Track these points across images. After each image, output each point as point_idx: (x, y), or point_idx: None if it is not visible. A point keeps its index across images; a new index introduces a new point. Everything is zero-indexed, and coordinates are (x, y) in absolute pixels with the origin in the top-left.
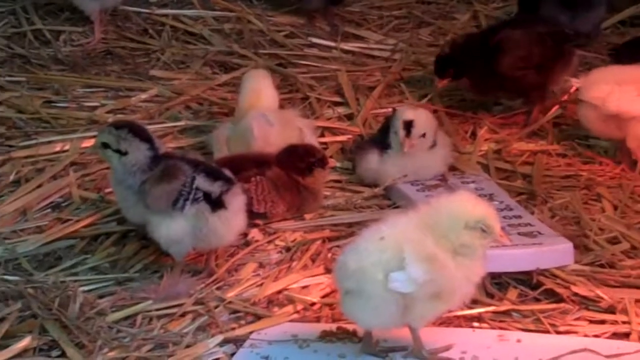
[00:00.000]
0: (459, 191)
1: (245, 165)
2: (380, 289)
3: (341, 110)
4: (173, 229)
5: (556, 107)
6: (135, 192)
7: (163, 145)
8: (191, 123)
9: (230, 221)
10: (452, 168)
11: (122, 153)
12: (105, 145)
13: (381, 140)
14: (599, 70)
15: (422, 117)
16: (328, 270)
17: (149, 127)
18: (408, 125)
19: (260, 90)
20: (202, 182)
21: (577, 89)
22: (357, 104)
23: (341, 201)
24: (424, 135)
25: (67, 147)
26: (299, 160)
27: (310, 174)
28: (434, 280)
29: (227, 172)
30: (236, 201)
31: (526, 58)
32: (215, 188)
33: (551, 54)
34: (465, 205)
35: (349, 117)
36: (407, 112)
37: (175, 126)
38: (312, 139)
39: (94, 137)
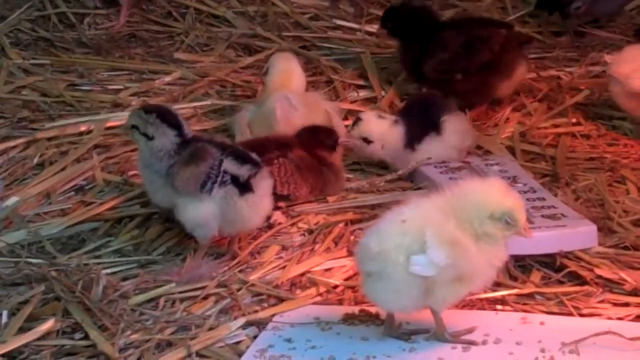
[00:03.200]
0: (490, 178)
1: (267, 148)
2: (402, 272)
3: (365, 92)
4: (200, 212)
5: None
6: (162, 177)
7: (191, 128)
8: (215, 105)
9: (258, 205)
10: (479, 148)
11: (149, 137)
12: (134, 127)
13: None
14: (631, 47)
15: (371, 124)
16: (351, 253)
17: None
18: (355, 122)
19: (289, 71)
20: (230, 165)
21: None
22: (381, 86)
23: (363, 183)
24: (367, 141)
25: (91, 130)
26: (326, 137)
27: (335, 150)
28: (456, 264)
29: (255, 156)
30: (263, 185)
31: (451, 61)
32: (243, 171)
33: (484, 59)
34: (494, 194)
35: (373, 99)
36: (366, 113)
37: (199, 108)
38: (338, 122)
39: (118, 119)
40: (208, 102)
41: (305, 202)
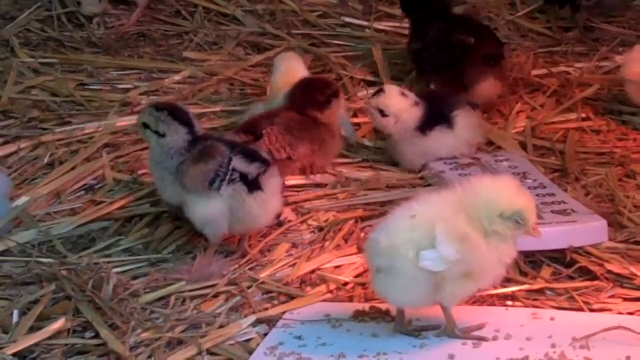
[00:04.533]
0: (501, 176)
1: (259, 123)
2: (411, 267)
3: (374, 89)
4: (209, 209)
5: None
6: (172, 174)
7: (201, 126)
8: (224, 104)
9: (266, 203)
10: (489, 143)
11: (160, 135)
12: (145, 125)
13: None
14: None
15: (392, 98)
16: (361, 250)
17: None
18: (377, 91)
19: (293, 71)
20: (239, 163)
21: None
22: (390, 82)
23: (373, 180)
24: (383, 113)
25: (100, 129)
26: (318, 94)
27: (329, 106)
28: (465, 260)
29: (264, 154)
30: (273, 183)
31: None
32: (252, 169)
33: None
34: (505, 193)
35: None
36: (389, 87)
37: (208, 107)
38: (345, 117)
39: (127, 118)
40: (217, 101)
41: (315, 197)
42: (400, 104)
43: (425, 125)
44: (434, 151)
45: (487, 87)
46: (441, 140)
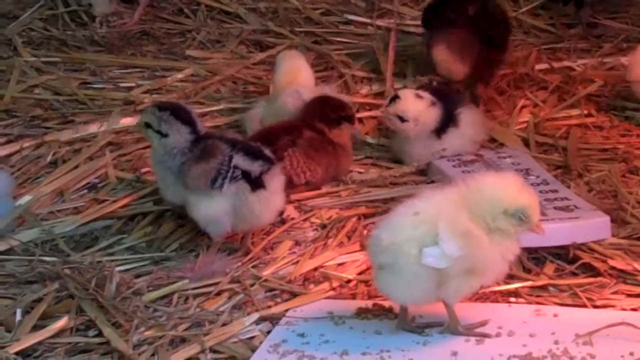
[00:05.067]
0: (505, 173)
1: (277, 135)
2: (414, 264)
3: (377, 87)
4: (212, 208)
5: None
6: (174, 173)
7: (203, 125)
8: (226, 102)
9: (269, 201)
10: (492, 140)
11: (163, 135)
12: (147, 125)
13: None
14: None
15: (408, 102)
16: (363, 247)
17: None
18: (393, 98)
19: (296, 69)
20: (241, 160)
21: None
22: (393, 80)
23: (376, 177)
24: (402, 119)
25: (103, 128)
26: (330, 111)
27: (338, 126)
28: (468, 256)
29: (268, 152)
30: (275, 181)
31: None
32: (255, 167)
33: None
34: (509, 191)
35: (386, 93)
36: (404, 92)
37: (211, 105)
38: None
39: (130, 117)
40: (222, 104)
41: (318, 195)
42: (417, 107)
43: (441, 128)
44: (444, 153)
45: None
46: (450, 140)
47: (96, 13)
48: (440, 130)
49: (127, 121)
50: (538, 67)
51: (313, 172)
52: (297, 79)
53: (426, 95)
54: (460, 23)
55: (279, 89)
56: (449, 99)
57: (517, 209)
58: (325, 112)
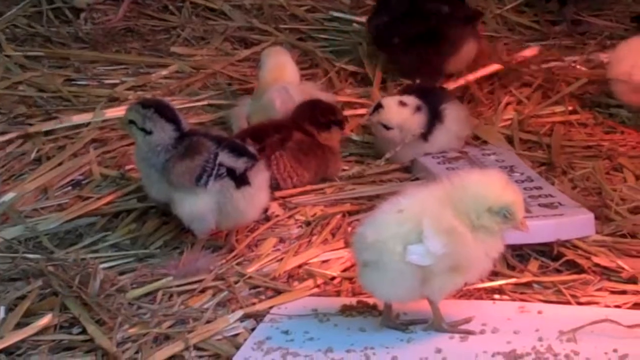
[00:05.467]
0: (490, 170)
1: (266, 132)
2: (398, 262)
3: (361, 84)
4: (196, 205)
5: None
6: (158, 171)
7: (187, 122)
8: (211, 99)
9: (254, 198)
10: (476, 138)
11: (147, 132)
12: (131, 122)
13: None
14: (624, 44)
15: (392, 112)
16: (348, 245)
17: None
18: (376, 107)
19: (281, 66)
20: (225, 158)
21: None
22: (377, 77)
23: (361, 175)
24: (386, 127)
25: (87, 125)
26: (320, 114)
27: (327, 130)
28: (452, 254)
29: (252, 149)
30: (260, 178)
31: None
32: (239, 164)
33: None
34: (493, 188)
35: (369, 91)
36: (386, 100)
37: (195, 102)
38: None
39: (115, 114)
40: (206, 100)
41: (303, 192)
42: (401, 115)
43: (428, 132)
44: (429, 150)
45: (472, 47)
46: (436, 138)
47: (77, 4)
48: (427, 133)
49: (112, 118)
50: (522, 64)
51: (300, 177)
52: (282, 75)
53: (410, 100)
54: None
55: (264, 86)
56: (433, 96)
57: (501, 207)
58: (315, 116)
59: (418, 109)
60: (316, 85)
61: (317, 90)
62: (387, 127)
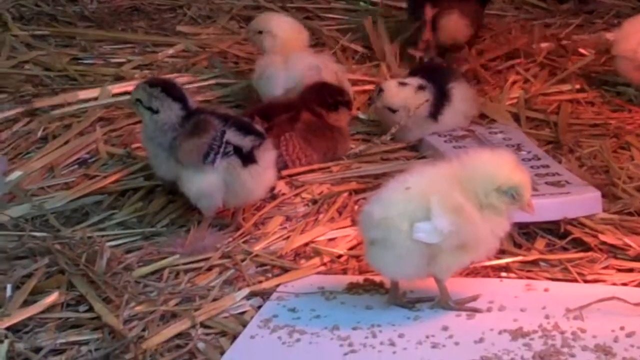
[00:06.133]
0: (499, 150)
1: (276, 111)
2: (405, 239)
3: (368, 62)
4: (204, 183)
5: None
6: (166, 149)
7: (194, 100)
8: (217, 77)
9: (261, 176)
10: (483, 116)
11: (154, 111)
12: (138, 101)
13: None
14: (629, 21)
15: (393, 93)
16: (354, 223)
17: None
18: (378, 91)
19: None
20: (232, 136)
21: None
22: (384, 56)
23: (367, 153)
24: (392, 110)
25: (93, 104)
26: (328, 96)
27: (335, 110)
28: (460, 232)
29: (259, 127)
30: (267, 156)
31: None
32: (246, 142)
33: None
34: (503, 168)
35: (376, 69)
36: (386, 83)
37: (201, 81)
38: (346, 83)
39: (122, 93)
40: (211, 74)
41: (309, 170)
42: (403, 94)
43: (437, 111)
44: (437, 130)
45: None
46: (444, 117)
47: None
48: (435, 113)
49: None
50: (530, 42)
51: (308, 158)
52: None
53: (411, 80)
54: None
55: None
56: (440, 75)
57: (510, 187)
58: (323, 97)
59: (420, 87)
60: (329, 55)
61: (330, 60)
62: (392, 110)
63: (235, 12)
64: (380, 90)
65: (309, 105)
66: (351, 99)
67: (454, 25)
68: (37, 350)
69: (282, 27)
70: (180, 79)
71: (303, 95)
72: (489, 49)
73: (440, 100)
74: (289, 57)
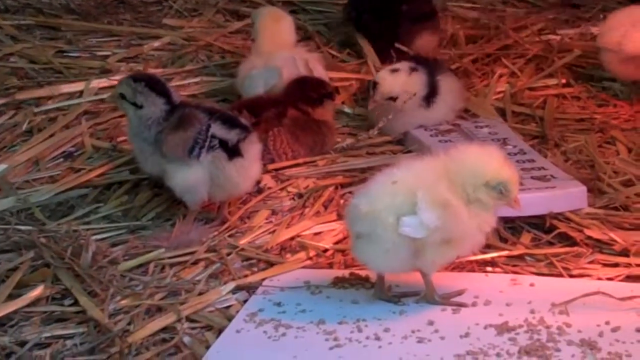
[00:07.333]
0: (488, 145)
1: (263, 106)
2: (391, 233)
3: (354, 57)
4: (189, 177)
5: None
6: (151, 144)
7: (179, 94)
8: (203, 71)
9: (247, 169)
10: (467, 111)
11: (138, 106)
12: (122, 96)
13: None
14: (615, 14)
15: (389, 82)
16: (340, 217)
17: (161, 75)
18: (373, 86)
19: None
20: (218, 129)
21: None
22: (369, 50)
23: (353, 147)
24: (392, 99)
25: (79, 97)
26: (311, 91)
27: (321, 104)
28: (446, 226)
29: (244, 121)
30: (253, 149)
31: None
32: (231, 136)
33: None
34: (492, 163)
35: (362, 64)
36: (379, 75)
37: (187, 74)
38: (318, 70)
39: (107, 86)
40: (197, 67)
41: (295, 164)
42: (397, 80)
43: (430, 95)
44: (426, 121)
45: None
46: (434, 110)
47: None
48: (429, 97)
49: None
50: (516, 36)
51: (295, 153)
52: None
53: (402, 65)
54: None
55: (264, 49)
56: (427, 67)
57: (499, 182)
58: (306, 94)
59: (412, 69)
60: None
61: (314, 59)
62: (393, 99)
63: (221, 5)
64: (375, 84)
65: (295, 103)
66: (333, 89)
67: (428, 45)
68: (22, 344)
69: (269, 24)
70: (166, 72)
71: (287, 92)
72: (476, 44)
73: (432, 87)
74: (270, 56)
